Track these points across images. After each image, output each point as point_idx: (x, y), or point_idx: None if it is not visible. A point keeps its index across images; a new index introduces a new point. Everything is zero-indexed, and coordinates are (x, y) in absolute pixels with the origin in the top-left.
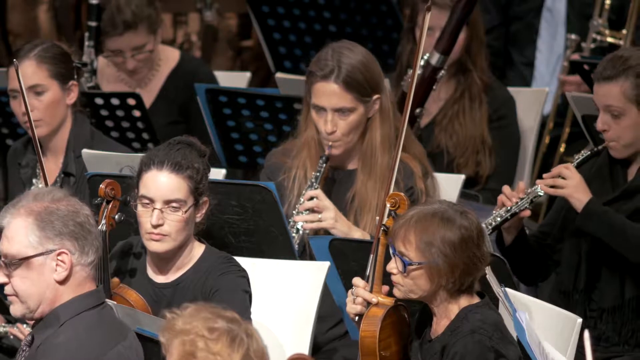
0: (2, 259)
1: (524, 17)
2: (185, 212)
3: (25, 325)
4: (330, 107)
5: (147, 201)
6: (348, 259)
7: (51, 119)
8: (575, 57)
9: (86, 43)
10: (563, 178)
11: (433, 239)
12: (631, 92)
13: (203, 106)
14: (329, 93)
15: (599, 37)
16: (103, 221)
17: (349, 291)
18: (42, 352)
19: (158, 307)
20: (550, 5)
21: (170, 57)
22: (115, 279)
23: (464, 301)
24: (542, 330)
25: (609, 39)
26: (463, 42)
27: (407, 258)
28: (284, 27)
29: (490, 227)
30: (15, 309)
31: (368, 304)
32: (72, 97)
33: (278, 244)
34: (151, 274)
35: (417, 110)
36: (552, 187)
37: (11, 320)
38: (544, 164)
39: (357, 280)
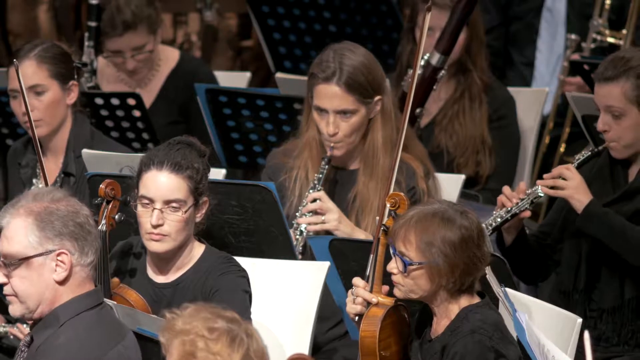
0: (2, 259)
1: (524, 17)
2: (185, 212)
3: (25, 325)
4: (332, 109)
5: (147, 201)
6: (348, 259)
7: (51, 119)
8: (575, 57)
9: (86, 43)
10: (563, 179)
11: (433, 239)
12: (632, 92)
13: (203, 106)
14: (331, 95)
15: (599, 37)
16: (103, 221)
17: (349, 291)
18: (42, 352)
19: (158, 307)
20: (550, 5)
21: (170, 57)
22: (115, 279)
23: (464, 301)
24: (542, 330)
25: (609, 39)
26: (463, 42)
27: (408, 258)
28: (284, 27)
29: (490, 228)
30: (14, 309)
31: (368, 304)
32: (72, 97)
33: (278, 244)
34: (151, 274)
35: (417, 110)
36: (552, 187)
37: (11, 320)
38: (544, 164)
39: (357, 280)
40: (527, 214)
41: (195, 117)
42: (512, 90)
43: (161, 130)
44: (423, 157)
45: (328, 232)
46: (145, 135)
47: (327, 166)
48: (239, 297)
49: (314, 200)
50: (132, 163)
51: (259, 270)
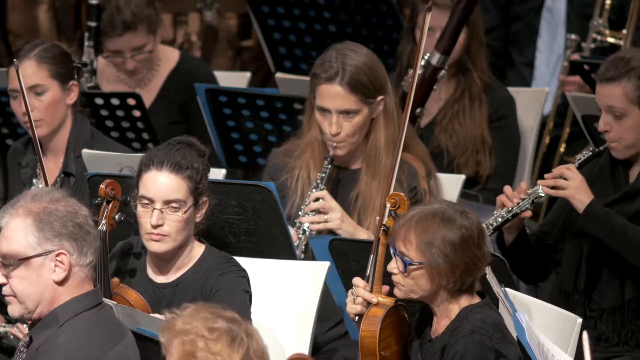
0: (1, 259)
1: (524, 17)
2: (185, 212)
3: (25, 325)
4: (335, 109)
5: (146, 201)
6: (348, 259)
7: (51, 119)
8: (576, 57)
9: (86, 43)
10: (564, 179)
11: (433, 238)
12: (633, 93)
13: (203, 106)
14: (333, 95)
15: (599, 37)
16: (103, 221)
17: (349, 291)
18: (41, 353)
19: (158, 307)
20: (550, 5)
21: (170, 57)
22: (115, 279)
23: (465, 301)
24: (542, 330)
25: (609, 39)
26: (463, 42)
27: (408, 258)
28: (284, 27)
29: (491, 228)
30: (14, 310)
31: (368, 304)
32: (72, 97)
33: (278, 244)
34: (151, 274)
35: (418, 110)
36: (553, 187)
37: (11, 320)
38: (544, 164)
39: (357, 280)
40: (528, 213)
41: (195, 117)
42: (512, 90)
43: (161, 130)
44: (425, 157)
45: (331, 231)
46: (145, 135)
47: (329, 166)
48: (239, 297)
49: (317, 200)
50: (132, 163)
51: (259, 270)
